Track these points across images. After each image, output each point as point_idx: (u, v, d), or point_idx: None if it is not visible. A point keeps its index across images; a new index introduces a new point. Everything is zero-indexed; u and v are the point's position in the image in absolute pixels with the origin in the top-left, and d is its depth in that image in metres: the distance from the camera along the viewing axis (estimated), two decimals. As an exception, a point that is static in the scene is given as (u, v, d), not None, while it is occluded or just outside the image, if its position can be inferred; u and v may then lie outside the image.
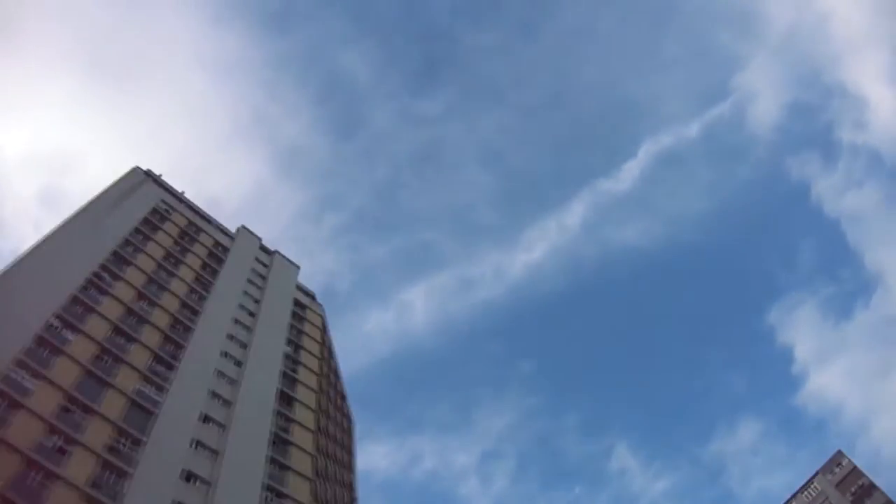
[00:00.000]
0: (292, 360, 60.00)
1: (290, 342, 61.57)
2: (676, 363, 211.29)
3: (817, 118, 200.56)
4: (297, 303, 67.87)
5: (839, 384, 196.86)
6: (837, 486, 76.40)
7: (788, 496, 79.52)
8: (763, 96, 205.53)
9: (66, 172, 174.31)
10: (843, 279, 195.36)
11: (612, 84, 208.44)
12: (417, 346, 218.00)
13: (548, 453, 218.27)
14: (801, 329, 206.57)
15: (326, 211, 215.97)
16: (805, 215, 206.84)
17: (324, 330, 68.91)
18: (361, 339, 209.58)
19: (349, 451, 68.33)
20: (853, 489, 75.38)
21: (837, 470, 78.05)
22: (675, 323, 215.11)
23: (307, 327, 65.83)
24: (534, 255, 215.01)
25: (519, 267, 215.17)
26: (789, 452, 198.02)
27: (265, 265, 69.01)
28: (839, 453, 79.23)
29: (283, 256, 72.57)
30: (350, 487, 64.22)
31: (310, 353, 62.70)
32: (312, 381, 59.63)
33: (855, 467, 77.32)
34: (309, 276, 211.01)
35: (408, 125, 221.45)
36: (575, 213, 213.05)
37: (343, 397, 71.82)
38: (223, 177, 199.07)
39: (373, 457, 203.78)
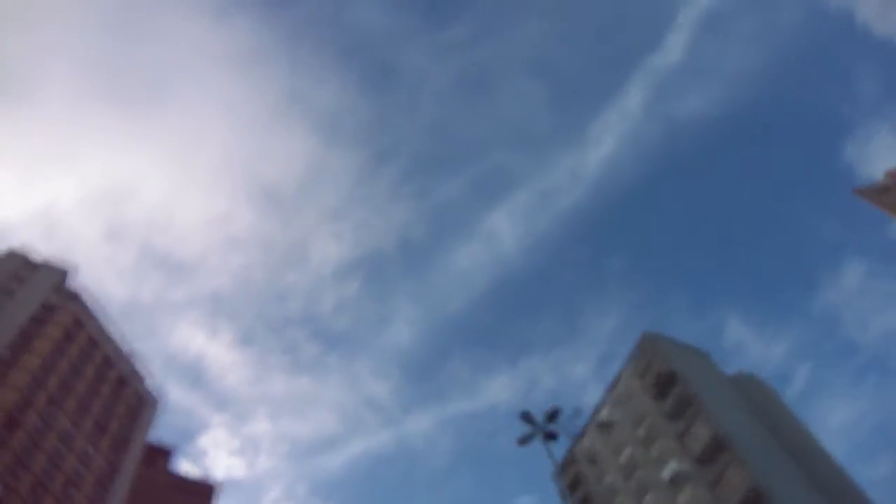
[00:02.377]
0: (5, 364, 64.08)
1: (11, 347, 65.79)
2: (764, 224, 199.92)
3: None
4: (46, 307, 71.80)
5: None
6: (641, 377, 62.15)
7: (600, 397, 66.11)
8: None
9: (123, 204, 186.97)
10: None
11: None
12: (512, 269, 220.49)
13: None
14: (880, 159, 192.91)
15: (383, 165, 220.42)
16: (856, 42, 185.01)
17: (77, 326, 72.22)
18: (457, 277, 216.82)
19: (126, 434, 71.72)
20: (652, 380, 60.72)
21: (642, 357, 63.28)
22: (754, 183, 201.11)
23: (49, 329, 69.27)
24: (604, 149, 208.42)
25: (593, 164, 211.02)
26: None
27: (22, 280, 73.83)
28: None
29: (50, 266, 76.70)
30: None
31: (35, 354, 66.30)
32: (23, 379, 63.24)
33: (656, 352, 61.82)
34: (383, 233, 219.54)
35: (440, 58, 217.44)
36: (633, 98, 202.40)
37: (123, 382, 74.97)
38: (276, 162, 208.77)
39: (492, 390, 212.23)
